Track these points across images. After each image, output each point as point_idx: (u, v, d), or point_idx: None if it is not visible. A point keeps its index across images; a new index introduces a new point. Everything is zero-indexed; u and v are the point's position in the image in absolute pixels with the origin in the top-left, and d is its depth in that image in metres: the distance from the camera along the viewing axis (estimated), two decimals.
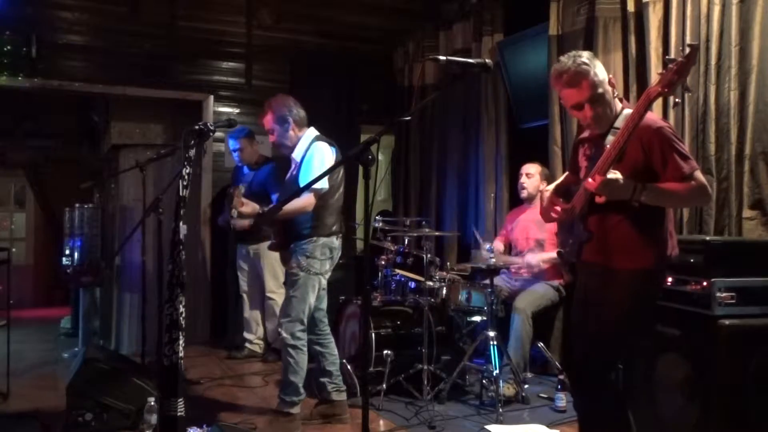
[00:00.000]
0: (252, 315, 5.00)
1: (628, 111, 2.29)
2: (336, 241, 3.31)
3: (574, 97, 2.27)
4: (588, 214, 2.31)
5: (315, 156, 3.24)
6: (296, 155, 3.36)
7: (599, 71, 2.25)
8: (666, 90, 2.00)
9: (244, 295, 5.03)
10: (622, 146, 2.10)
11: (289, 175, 3.45)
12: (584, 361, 2.35)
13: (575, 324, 2.48)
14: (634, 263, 2.24)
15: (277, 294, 4.68)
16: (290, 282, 3.20)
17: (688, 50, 1.93)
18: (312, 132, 3.42)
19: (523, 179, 4.31)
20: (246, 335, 5.00)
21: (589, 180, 2.16)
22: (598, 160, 2.18)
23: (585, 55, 2.26)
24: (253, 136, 4.89)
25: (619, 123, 2.24)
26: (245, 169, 4.94)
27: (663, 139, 2.16)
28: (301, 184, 3.19)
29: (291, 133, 3.36)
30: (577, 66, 2.22)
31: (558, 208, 2.42)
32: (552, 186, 2.58)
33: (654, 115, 2.26)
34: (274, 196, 4.48)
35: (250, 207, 3.30)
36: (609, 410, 2.30)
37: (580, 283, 2.50)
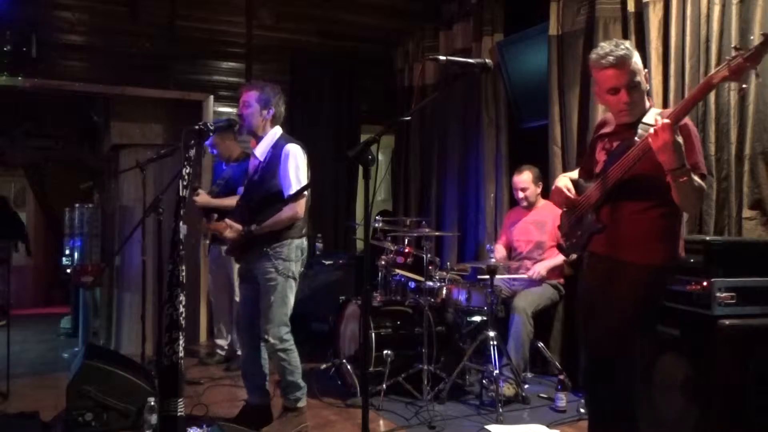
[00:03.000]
0: (221, 321, 4.91)
1: (656, 110, 2.29)
2: (305, 243, 3.29)
3: (612, 80, 2.25)
4: (603, 205, 2.32)
5: (291, 162, 3.15)
6: (258, 152, 3.26)
7: (638, 60, 2.26)
8: (733, 76, 1.98)
9: (212, 299, 4.96)
10: (688, 109, 2.09)
11: (251, 177, 3.32)
12: (593, 359, 2.35)
13: (582, 321, 2.47)
14: (644, 258, 2.24)
15: None
16: (267, 288, 3.13)
17: (762, 38, 1.93)
18: (277, 131, 3.29)
19: (520, 194, 4.31)
20: (217, 341, 4.94)
21: (662, 120, 2.06)
22: (621, 155, 2.16)
23: (627, 43, 2.28)
24: (226, 131, 4.41)
25: (648, 118, 2.25)
26: (223, 165, 4.78)
27: (689, 134, 2.19)
28: (272, 186, 3.16)
29: (262, 121, 3.24)
30: (620, 50, 2.23)
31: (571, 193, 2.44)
32: (569, 174, 2.59)
33: None
34: (240, 189, 4.44)
35: (234, 231, 3.17)
36: (619, 410, 2.29)
37: (584, 279, 2.50)
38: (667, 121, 2.04)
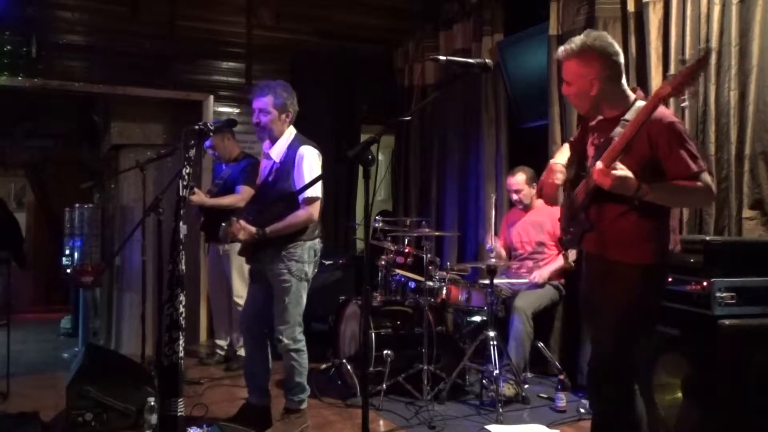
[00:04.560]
0: (220, 321, 4.91)
1: (641, 103, 2.25)
2: (318, 245, 3.28)
3: (562, 71, 2.31)
4: (590, 204, 2.31)
5: (305, 165, 3.13)
6: (274, 154, 3.23)
7: (589, 54, 2.22)
8: (675, 92, 1.99)
9: (211, 300, 4.95)
10: (629, 140, 2.09)
11: (265, 178, 3.29)
12: (595, 358, 2.35)
13: (585, 321, 2.47)
14: (632, 257, 2.22)
15: (244, 299, 4.30)
16: (281, 289, 3.13)
17: (701, 54, 1.93)
18: (292, 131, 3.27)
19: (514, 197, 4.30)
20: (217, 341, 4.94)
21: (596, 166, 2.14)
22: (605, 150, 2.17)
23: (592, 37, 2.24)
24: (224, 131, 4.54)
25: (630, 115, 2.22)
26: (222, 165, 4.79)
27: (672, 134, 2.13)
28: (285, 188, 3.14)
29: (283, 126, 3.23)
30: (575, 44, 2.23)
31: (557, 181, 2.42)
32: (561, 162, 2.51)
33: (667, 110, 2.24)
34: (239, 188, 4.43)
35: (247, 233, 3.11)
36: (620, 411, 2.28)
37: (584, 278, 2.49)
38: (599, 166, 2.09)
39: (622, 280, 2.24)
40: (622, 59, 2.27)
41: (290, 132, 3.27)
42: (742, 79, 3.14)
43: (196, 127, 2.72)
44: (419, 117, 5.87)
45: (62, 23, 5.32)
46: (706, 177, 2.15)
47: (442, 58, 2.09)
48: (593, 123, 2.43)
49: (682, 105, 2.22)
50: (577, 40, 2.25)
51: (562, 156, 2.56)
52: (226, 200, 4.43)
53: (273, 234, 3.10)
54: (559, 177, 2.43)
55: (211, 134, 2.82)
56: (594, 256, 2.38)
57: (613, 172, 2.08)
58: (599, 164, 2.12)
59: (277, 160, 3.22)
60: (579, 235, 2.37)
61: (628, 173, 2.09)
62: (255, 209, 3.28)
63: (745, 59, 3.12)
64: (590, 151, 2.42)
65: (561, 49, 2.29)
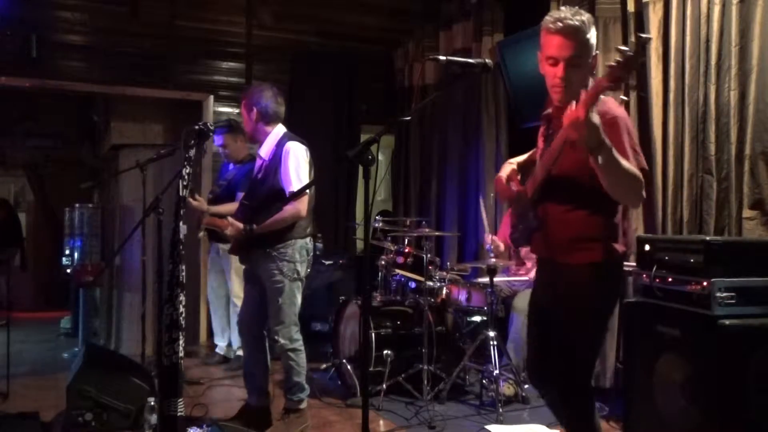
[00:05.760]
0: (219, 321, 4.91)
1: (601, 97, 2.10)
2: (310, 243, 3.28)
3: (554, 49, 2.08)
4: (538, 201, 2.22)
5: (291, 160, 3.14)
6: (263, 152, 3.28)
7: (592, 38, 2.10)
8: (612, 84, 1.85)
9: (210, 299, 4.97)
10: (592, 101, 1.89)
11: (254, 175, 3.34)
12: (543, 365, 2.30)
13: (529, 324, 2.42)
14: (577, 258, 2.14)
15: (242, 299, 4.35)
16: (274, 290, 3.14)
17: (635, 45, 1.82)
18: (280, 129, 3.30)
19: None
20: (216, 342, 4.95)
21: (573, 108, 1.90)
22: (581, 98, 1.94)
23: (587, 16, 2.12)
24: (238, 131, 4.55)
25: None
26: (230, 166, 4.79)
27: (612, 128, 2.00)
28: (274, 185, 3.16)
29: (254, 124, 3.27)
30: (575, 20, 2.06)
31: (512, 185, 2.31)
32: (516, 159, 2.43)
33: (614, 104, 2.14)
34: (239, 195, 4.42)
35: (235, 229, 3.16)
36: (577, 421, 2.22)
37: (536, 281, 2.45)
38: (573, 112, 1.88)
39: (569, 283, 2.16)
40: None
41: (278, 131, 3.30)
42: (742, 79, 3.14)
43: (196, 127, 2.73)
44: (419, 117, 5.87)
45: (62, 23, 5.32)
46: (639, 173, 2.00)
47: (442, 58, 2.08)
48: (549, 110, 2.29)
49: (622, 98, 2.07)
50: (578, 18, 2.10)
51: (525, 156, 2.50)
52: (225, 209, 4.43)
53: (260, 231, 3.12)
54: (506, 169, 2.37)
55: (212, 134, 2.83)
56: (543, 260, 2.32)
57: (592, 117, 1.85)
58: (572, 108, 1.88)
59: (266, 158, 3.26)
60: (527, 234, 2.28)
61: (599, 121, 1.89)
62: (246, 207, 3.29)
63: (745, 59, 3.12)
64: (540, 142, 2.32)
65: (566, 24, 2.08)
